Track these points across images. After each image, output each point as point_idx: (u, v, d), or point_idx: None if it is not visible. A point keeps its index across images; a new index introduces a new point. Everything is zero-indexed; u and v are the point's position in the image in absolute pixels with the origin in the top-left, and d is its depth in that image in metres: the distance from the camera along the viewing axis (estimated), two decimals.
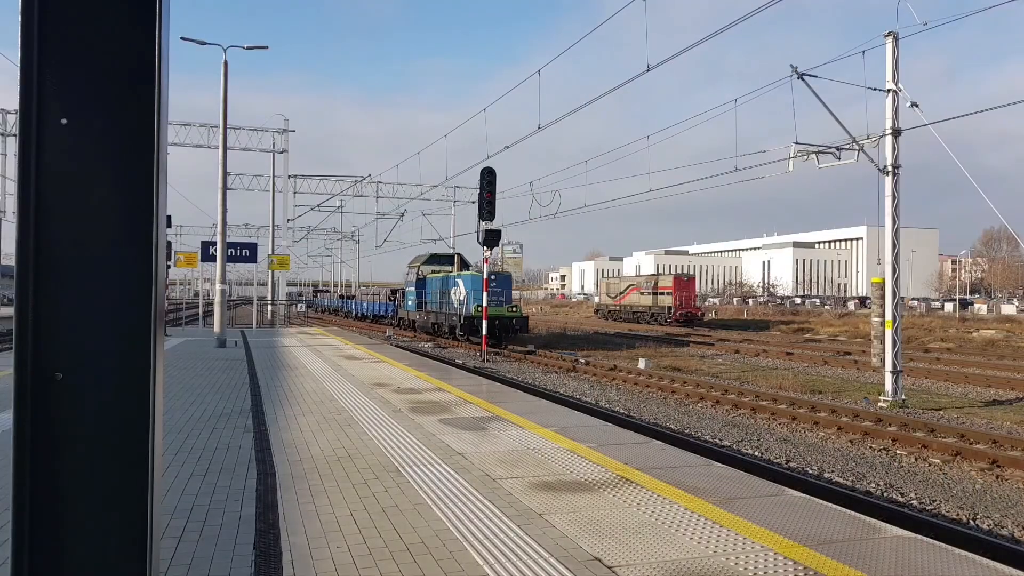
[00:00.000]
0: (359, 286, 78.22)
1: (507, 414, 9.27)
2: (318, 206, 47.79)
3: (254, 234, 65.27)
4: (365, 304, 53.62)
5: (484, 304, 25.81)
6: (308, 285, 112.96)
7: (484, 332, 24.89)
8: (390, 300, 45.24)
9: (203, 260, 28.71)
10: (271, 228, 39.22)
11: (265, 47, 25.48)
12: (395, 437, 7.74)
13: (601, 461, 6.71)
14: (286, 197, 41.52)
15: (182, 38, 21.62)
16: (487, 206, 22.19)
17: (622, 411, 14.55)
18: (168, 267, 28.72)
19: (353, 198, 47.89)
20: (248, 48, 23.20)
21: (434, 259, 36.28)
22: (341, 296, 69.41)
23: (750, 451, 11.07)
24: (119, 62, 1.43)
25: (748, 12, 13.06)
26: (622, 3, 14.63)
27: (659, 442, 8.00)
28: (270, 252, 37.86)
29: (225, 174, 21.35)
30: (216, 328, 20.81)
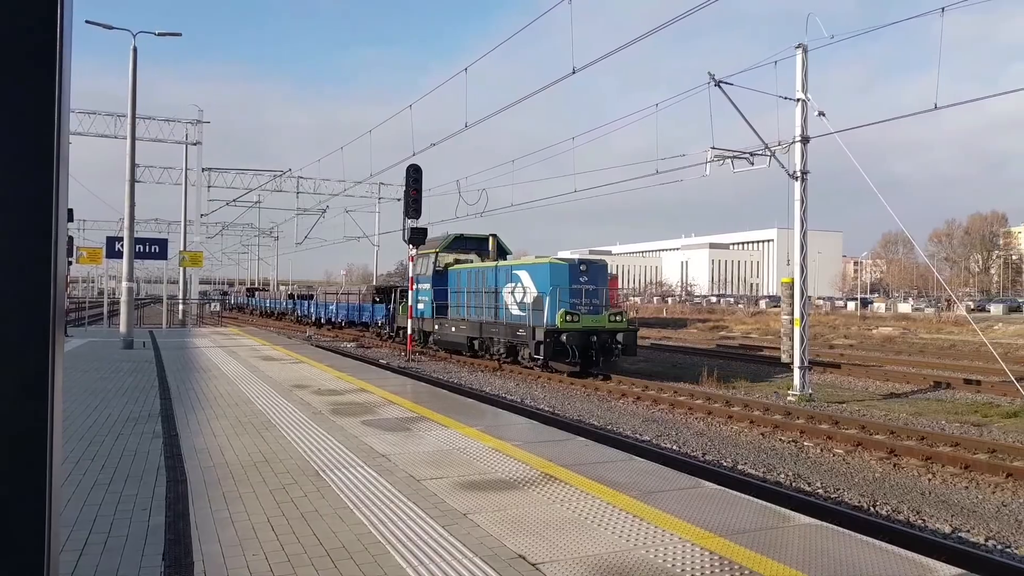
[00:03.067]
0: (278, 284, 76.17)
1: (432, 414, 9.21)
2: (234, 201, 46.30)
3: (165, 230, 62.59)
4: (332, 307, 40.87)
5: (408, 304, 23.83)
6: (237, 283, 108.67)
7: (410, 332, 24.60)
8: (376, 301, 33.56)
9: (108, 256, 27.38)
10: (183, 223, 37.72)
11: (178, 34, 24.48)
12: (315, 440, 7.57)
13: (526, 459, 6.75)
14: (200, 191, 40.00)
15: (87, 21, 20.55)
16: (413, 204, 21.97)
17: (547, 409, 14.67)
18: (69, 263, 27.13)
19: (272, 193, 46.57)
20: (160, 35, 22.25)
21: (460, 243, 25.49)
22: (292, 296, 52.34)
23: (669, 445, 11.35)
24: (15, 44, 1.34)
25: (675, 16, 13.38)
26: (552, 3, 14.74)
27: (582, 438, 8.11)
28: (182, 248, 36.40)
29: (133, 166, 20.40)
30: (122, 328, 19.88)
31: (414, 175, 22.01)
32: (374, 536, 4.63)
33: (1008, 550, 6.80)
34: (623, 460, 6.95)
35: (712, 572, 4.06)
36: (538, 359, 18.77)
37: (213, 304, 64.47)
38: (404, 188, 22.38)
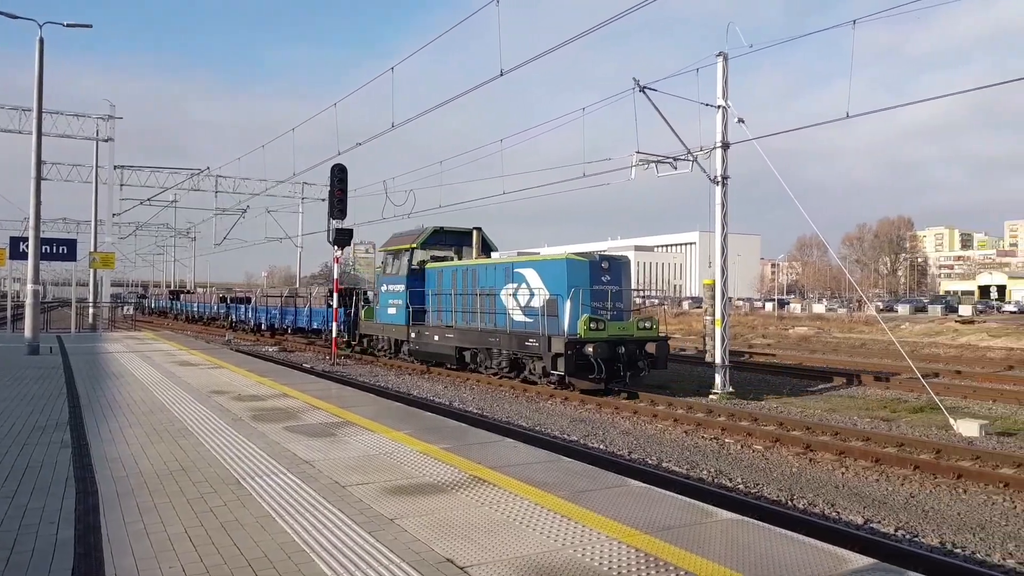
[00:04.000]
0: (195, 287, 73.60)
1: (358, 419, 9.05)
2: (149, 200, 44.54)
3: (74, 230, 59.66)
4: (274, 312, 35.91)
5: (331, 304, 22.95)
6: (152, 286, 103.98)
7: (335, 335, 24.11)
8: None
9: (12, 257, 25.87)
10: (93, 223, 35.97)
11: (88, 26, 23.33)
12: (235, 447, 7.33)
13: (454, 462, 6.71)
14: (112, 190, 38.24)
15: None
16: (338, 204, 21.59)
17: (475, 411, 14.63)
18: None
19: (189, 192, 44.98)
20: (68, 26, 21.17)
21: (438, 237, 22.04)
22: (225, 299, 46.44)
23: (596, 445, 11.48)
24: None
25: (602, 21, 13.54)
26: (481, 3, 14.73)
27: (511, 440, 8.12)
28: (92, 249, 34.71)
29: (40, 163, 19.34)
30: (27, 333, 18.81)
31: (339, 175, 21.63)
32: (297, 544, 4.50)
33: (916, 539, 7.15)
34: (551, 461, 6.98)
35: (638, 569, 4.12)
36: (554, 375, 15.86)
37: (127, 307, 61.12)
38: (329, 188, 22.01)
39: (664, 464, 10.23)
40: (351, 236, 22.79)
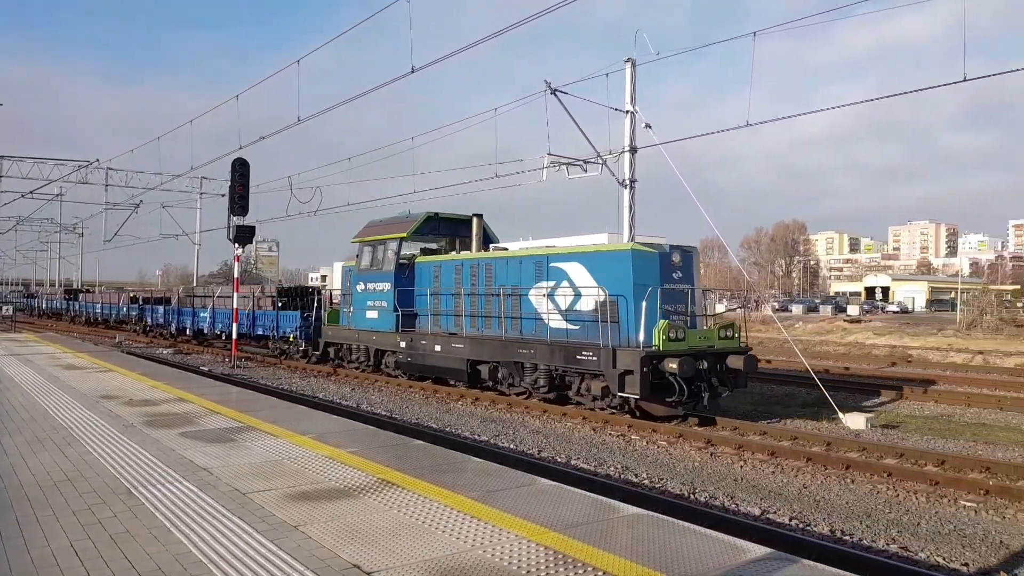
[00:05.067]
0: (84, 286, 69.49)
1: (260, 423, 8.75)
2: (31, 193, 41.69)
3: None
4: (204, 314, 30.43)
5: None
6: (34, 284, 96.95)
7: (235, 336, 23.21)
8: (280, 307, 25.41)
9: None
10: None
11: None
12: (127, 455, 6.94)
13: (362, 465, 6.57)
14: None
15: None
16: (239, 200, 20.83)
17: (384, 413, 14.42)
18: None
19: (76, 185, 42.40)
20: None
21: (431, 226, 18.48)
22: (136, 299, 40.84)
23: (507, 444, 11.52)
24: None
25: (514, 23, 13.61)
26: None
27: (420, 442, 8.04)
28: None
29: None
30: None
31: (240, 170, 20.88)
32: (195, 555, 4.30)
33: (809, 528, 7.51)
34: (461, 461, 6.95)
35: (547, 567, 4.14)
36: (623, 397, 12.54)
37: (5, 308, 56.57)
38: (229, 183, 21.19)
39: (573, 462, 10.37)
40: (253, 233, 22.02)
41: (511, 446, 11.44)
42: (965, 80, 11.75)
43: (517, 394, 15.11)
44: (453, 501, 5.47)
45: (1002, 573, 6.21)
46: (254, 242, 26.41)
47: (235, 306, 23.13)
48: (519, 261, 15.18)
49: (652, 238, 16.57)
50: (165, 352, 27.50)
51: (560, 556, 4.32)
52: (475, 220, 17.84)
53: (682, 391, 12.16)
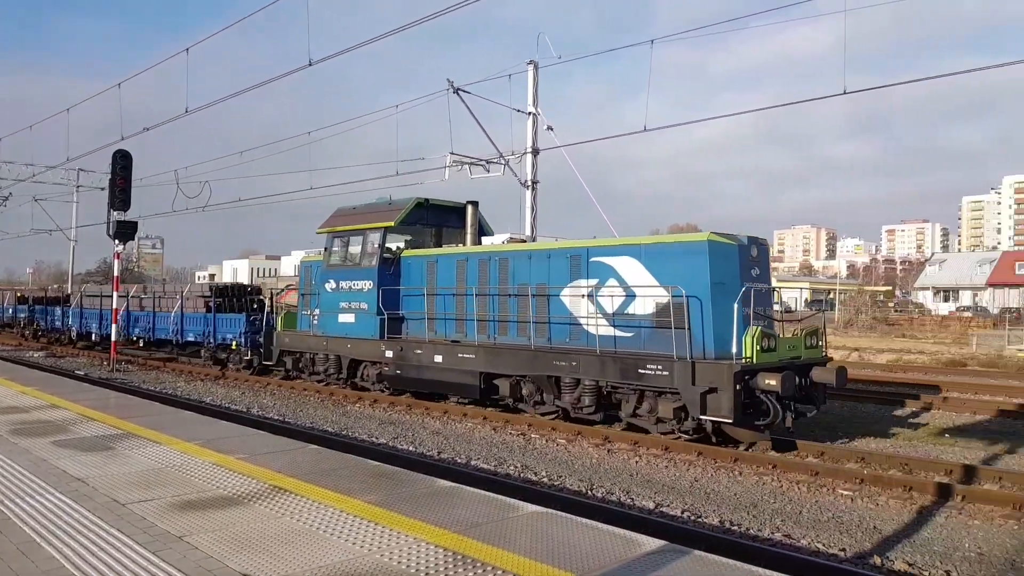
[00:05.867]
0: None
1: (141, 430, 8.26)
2: None
3: None
4: (108, 317, 24.28)
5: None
6: None
7: (114, 338, 21.82)
8: (216, 309, 21.53)
9: None
10: None
11: None
12: None
13: (252, 472, 6.31)
14: None
15: None
16: (120, 194, 19.63)
17: (276, 417, 13.95)
18: None
19: None
20: None
21: (420, 214, 16.00)
22: (24, 298, 36.00)
23: (406, 447, 11.38)
24: None
25: (417, 19, 13.45)
26: None
27: (315, 446, 7.82)
28: None
29: None
30: None
31: (122, 162, 19.70)
32: (67, 571, 3.99)
33: (700, 519, 7.78)
34: (357, 465, 6.79)
35: (446, 568, 4.09)
36: (704, 421, 10.54)
37: None
38: (110, 176, 19.94)
39: (473, 462, 10.35)
40: (135, 230, 20.78)
41: (410, 448, 11.31)
42: (845, 93, 12.53)
43: (545, 414, 12.81)
44: (349, 506, 5.33)
45: (876, 557, 6.63)
46: (136, 239, 24.38)
47: (113, 306, 21.65)
48: (546, 255, 12.97)
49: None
50: (36, 356, 25.61)
51: (459, 557, 4.28)
52: (470, 208, 15.49)
53: (776, 413, 10.23)
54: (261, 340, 19.03)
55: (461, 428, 12.98)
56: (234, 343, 20.37)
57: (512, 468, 9.97)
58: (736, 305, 10.36)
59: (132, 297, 26.21)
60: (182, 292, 23.84)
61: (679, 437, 10.98)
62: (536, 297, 12.75)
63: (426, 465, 9.40)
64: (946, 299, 77.86)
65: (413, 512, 5.17)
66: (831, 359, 12.35)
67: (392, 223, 15.26)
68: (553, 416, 12.71)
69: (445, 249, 15.42)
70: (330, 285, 16.50)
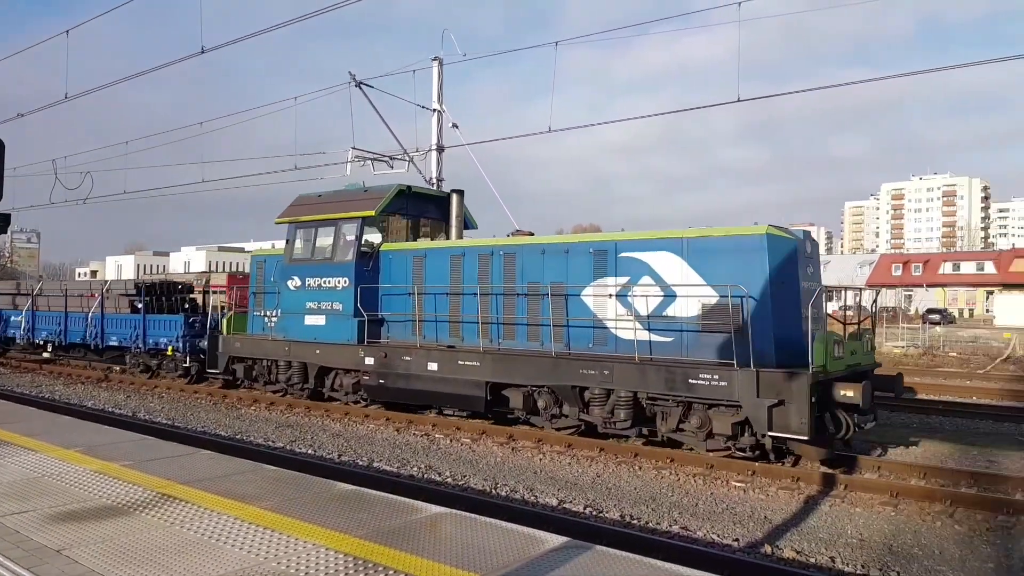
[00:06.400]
0: None
1: (14, 436, 7.67)
2: None
3: None
4: (15, 317, 23.19)
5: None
6: None
7: None
8: (143, 308, 19.04)
9: None
10: None
11: None
12: None
13: (138, 480, 5.96)
14: None
15: None
16: None
17: (165, 421, 13.29)
18: None
19: None
20: None
21: (401, 203, 14.37)
22: None
23: (304, 450, 11.06)
24: None
25: (315, 11, 13.07)
26: None
27: (207, 451, 7.48)
28: None
29: None
30: None
31: None
32: None
33: (601, 514, 7.92)
34: (253, 470, 6.53)
35: (347, 574, 3.98)
36: (775, 438, 9.35)
37: None
38: None
39: (375, 464, 10.17)
40: (7, 223, 19.25)
41: (310, 451, 11.01)
42: (739, 101, 13.07)
43: (561, 428, 11.48)
44: (244, 513, 5.11)
45: (767, 546, 6.93)
46: (9, 232, 22.21)
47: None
48: (564, 250, 11.66)
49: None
50: None
51: (361, 562, 4.17)
52: (455, 198, 14.10)
53: (849, 427, 9.38)
54: (203, 345, 17.03)
55: (363, 430, 12.74)
56: (170, 348, 17.98)
57: (416, 469, 9.86)
58: (811, 307, 9.54)
59: (38, 296, 22.82)
60: (102, 290, 20.87)
61: (731, 455, 9.85)
62: (552, 297, 11.40)
63: (326, 468, 9.17)
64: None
65: (313, 517, 5.01)
66: (879, 364, 11.59)
67: (372, 212, 13.57)
68: (572, 431, 11.40)
69: (437, 242, 13.94)
70: (293, 283, 14.64)
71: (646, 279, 10.67)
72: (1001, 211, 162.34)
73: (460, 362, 12.15)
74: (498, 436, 11.77)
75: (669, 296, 10.45)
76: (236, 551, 4.34)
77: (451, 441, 11.76)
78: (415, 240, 14.50)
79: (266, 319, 15.42)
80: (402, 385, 12.89)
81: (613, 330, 10.93)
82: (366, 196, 14.15)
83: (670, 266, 10.50)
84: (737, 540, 7.10)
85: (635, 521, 7.69)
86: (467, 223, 14.66)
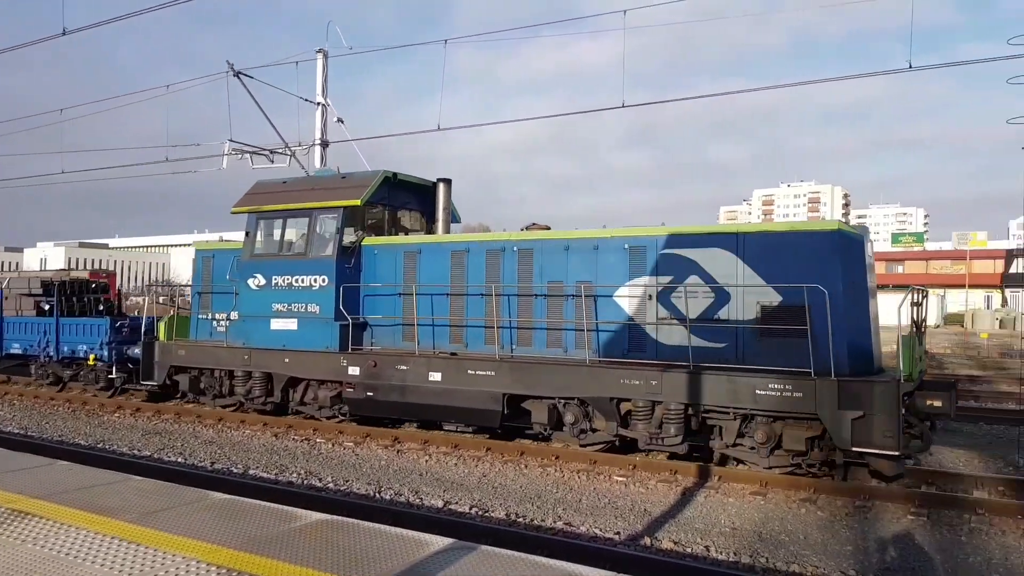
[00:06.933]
0: None
1: None
2: None
3: None
4: None
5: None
6: None
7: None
8: (58, 311, 16.74)
9: None
10: None
11: None
12: None
13: None
14: None
15: None
16: None
17: (17, 431, 12.22)
18: None
19: None
20: None
21: (383, 192, 12.78)
22: None
23: (174, 458, 10.48)
24: None
25: None
26: None
27: (65, 462, 6.91)
28: None
29: None
30: None
31: None
32: None
33: (487, 514, 7.92)
34: (117, 481, 6.08)
35: None
36: (862, 454, 8.56)
37: None
38: None
39: (252, 471, 9.76)
40: None
41: (179, 460, 10.43)
42: (624, 106, 13.46)
43: (588, 445, 10.32)
44: (107, 527, 4.74)
45: (647, 538, 7.14)
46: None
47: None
48: (593, 246, 10.54)
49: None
50: None
51: (235, 573, 3.95)
52: (442, 187, 12.77)
53: (929, 440, 8.89)
54: (133, 353, 14.91)
55: (238, 436, 12.19)
56: (91, 357, 15.64)
57: (295, 475, 9.53)
58: (868, 309, 9.08)
59: None
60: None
61: (800, 472, 9.07)
62: (579, 298, 10.34)
63: (199, 477, 8.73)
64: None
65: (183, 529, 4.71)
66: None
67: (358, 201, 11.98)
68: (600, 448, 10.27)
69: (435, 237, 12.46)
70: (255, 281, 12.78)
71: (693, 278, 9.71)
72: (859, 216, 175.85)
73: (470, 372, 10.74)
74: (382, 439, 11.56)
75: (722, 297, 9.55)
76: (96, 567, 4.02)
77: (333, 445, 11.45)
78: (394, 234, 12.96)
79: (215, 323, 13.70)
80: (396, 398, 11.42)
81: (653, 335, 9.98)
82: (348, 183, 12.56)
83: (722, 263, 9.56)
84: (619, 533, 7.28)
85: (521, 519, 7.73)
86: (455, 216, 13.40)
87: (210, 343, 13.55)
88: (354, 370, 11.70)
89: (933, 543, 7.14)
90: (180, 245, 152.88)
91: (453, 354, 11.31)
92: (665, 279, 9.93)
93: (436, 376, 11.03)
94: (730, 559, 6.66)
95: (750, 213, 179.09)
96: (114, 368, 15.42)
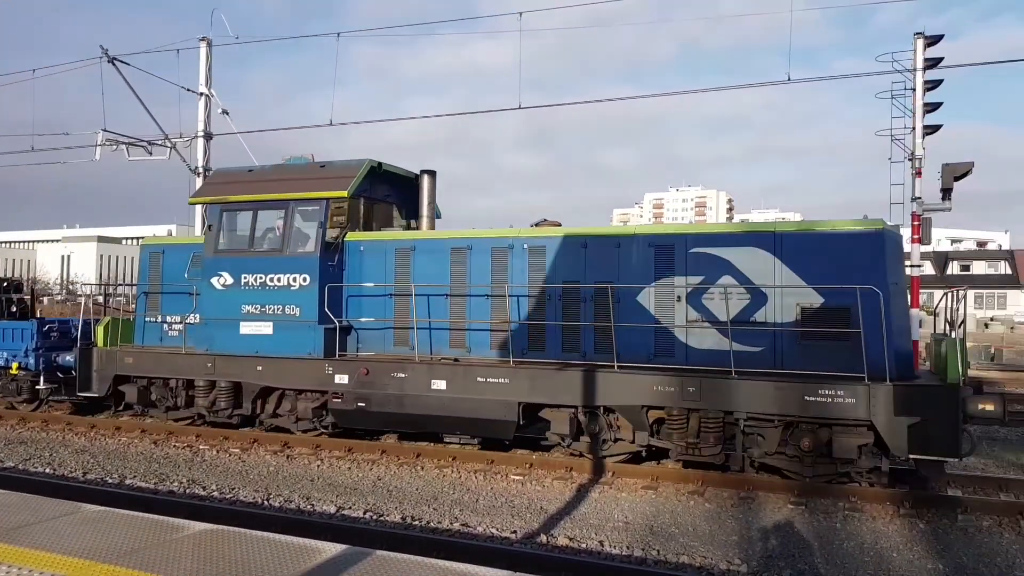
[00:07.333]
0: None
1: None
2: None
3: None
4: None
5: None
6: None
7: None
8: None
9: None
10: None
11: None
12: None
13: None
14: None
15: None
16: None
17: None
18: None
19: None
20: None
21: (365, 184, 11.45)
22: None
23: (41, 469, 9.71)
24: None
25: None
26: None
27: None
28: None
29: None
30: None
31: None
32: None
33: (382, 518, 7.75)
34: None
35: None
36: (918, 460, 8.34)
37: None
38: None
39: (128, 481, 9.18)
40: None
41: (47, 470, 9.68)
42: (520, 108, 13.54)
43: (607, 456, 9.65)
44: None
45: (543, 535, 7.19)
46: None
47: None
48: (614, 244, 9.91)
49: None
50: None
51: None
52: (426, 179, 11.81)
53: (974, 444, 8.60)
54: (64, 360, 13.22)
55: (113, 444, 11.45)
56: (14, 365, 13.57)
57: (176, 484, 9.04)
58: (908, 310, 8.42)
59: None
60: None
61: (844, 480, 8.74)
62: (599, 299, 9.74)
63: (68, 489, 8.11)
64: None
65: (51, 545, 4.34)
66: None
67: (345, 192, 10.90)
68: (621, 459, 9.64)
69: (432, 233, 11.56)
70: (222, 280, 11.40)
71: (726, 279, 9.25)
72: (742, 220, 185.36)
73: (480, 379, 9.88)
74: (271, 444, 11.13)
75: (758, 298, 9.13)
76: None
77: (217, 452, 10.92)
78: (373, 229, 11.78)
79: (166, 327, 12.37)
80: (392, 409, 10.36)
81: (683, 339, 9.49)
82: (330, 173, 11.35)
83: (758, 263, 9.15)
84: (515, 532, 7.29)
85: (416, 522, 7.62)
86: (436, 211, 12.28)
87: (168, 350, 12.04)
88: (341, 378, 10.60)
89: (811, 530, 7.54)
90: (47, 241, 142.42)
91: (455, 360, 10.55)
92: (695, 279, 9.44)
93: (440, 384, 10.11)
94: (624, 553, 6.80)
95: (641, 216, 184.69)
96: (41, 378, 13.43)
